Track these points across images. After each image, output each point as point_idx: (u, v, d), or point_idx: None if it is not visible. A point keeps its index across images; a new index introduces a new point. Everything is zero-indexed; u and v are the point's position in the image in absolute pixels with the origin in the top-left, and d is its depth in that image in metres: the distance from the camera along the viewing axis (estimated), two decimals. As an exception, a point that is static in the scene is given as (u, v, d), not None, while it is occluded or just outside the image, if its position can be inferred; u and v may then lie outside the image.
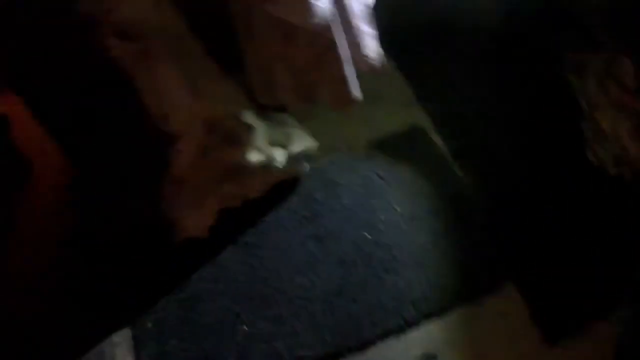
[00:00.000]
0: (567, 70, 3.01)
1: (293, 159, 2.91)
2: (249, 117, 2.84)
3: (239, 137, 2.79)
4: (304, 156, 2.95)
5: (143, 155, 2.88)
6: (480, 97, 3.27)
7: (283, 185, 2.93)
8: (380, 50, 2.84)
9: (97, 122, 2.81)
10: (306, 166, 2.98)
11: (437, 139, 3.10)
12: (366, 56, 2.77)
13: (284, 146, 2.92)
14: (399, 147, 3.07)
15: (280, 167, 2.86)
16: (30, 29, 2.49)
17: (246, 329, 2.58)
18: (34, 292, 2.94)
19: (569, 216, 2.76)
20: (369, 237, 2.75)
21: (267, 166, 2.83)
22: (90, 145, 2.92)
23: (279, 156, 2.87)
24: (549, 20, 3.41)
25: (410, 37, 3.66)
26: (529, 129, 3.07)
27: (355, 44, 2.72)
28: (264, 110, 2.98)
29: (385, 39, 2.84)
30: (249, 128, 2.80)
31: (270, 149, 2.86)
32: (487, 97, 3.27)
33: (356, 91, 2.76)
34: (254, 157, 2.80)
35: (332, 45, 2.61)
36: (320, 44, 2.61)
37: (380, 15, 2.85)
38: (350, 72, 2.71)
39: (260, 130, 2.86)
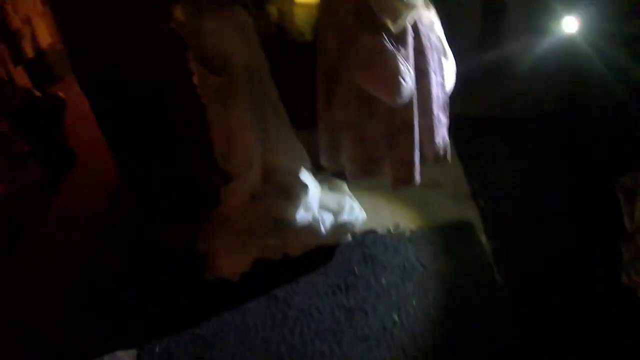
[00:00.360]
0: (618, 188, 2.99)
1: (339, 227, 2.91)
2: (306, 176, 2.86)
3: (292, 193, 2.80)
4: (350, 226, 2.94)
5: (191, 184, 2.89)
6: (531, 201, 3.26)
7: (324, 250, 2.91)
8: (448, 141, 2.86)
9: (155, 137, 2.83)
10: (350, 236, 2.97)
11: (482, 238, 3.08)
12: (436, 144, 2.79)
13: (333, 212, 2.92)
14: (445, 238, 3.05)
15: (325, 232, 2.86)
16: (118, 28, 2.55)
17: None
18: (50, 291, 2.96)
19: (596, 334, 2.71)
20: (397, 319, 2.71)
21: (312, 228, 2.84)
22: (141, 157, 2.94)
23: (327, 221, 2.87)
24: (612, 136, 3.44)
25: (476, 128, 3.69)
26: (571, 240, 3.04)
27: (428, 130, 2.73)
28: (322, 173, 3.01)
29: (452, 127, 2.87)
30: (304, 186, 2.82)
31: (319, 212, 2.87)
32: (538, 201, 3.26)
33: (417, 175, 2.76)
34: (302, 216, 2.82)
35: (407, 127, 2.64)
36: (396, 122, 2.63)
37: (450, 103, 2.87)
38: (417, 155, 2.72)
39: (314, 191, 2.87)
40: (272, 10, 2.73)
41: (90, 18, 2.59)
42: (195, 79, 2.55)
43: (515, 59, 4.04)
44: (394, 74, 2.46)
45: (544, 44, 3.87)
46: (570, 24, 3.51)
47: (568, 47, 3.69)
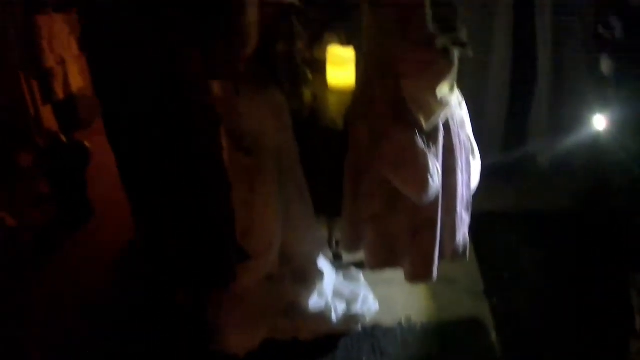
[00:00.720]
0: (632, 285, 2.96)
1: (351, 317, 2.86)
2: (323, 262, 2.85)
3: (308, 278, 2.79)
4: (362, 317, 2.90)
5: (208, 255, 2.87)
6: (544, 298, 3.20)
7: (333, 337, 2.86)
8: (468, 239, 2.85)
9: (178, 203, 2.82)
10: (360, 326, 2.93)
11: (493, 335, 3.03)
12: (456, 242, 2.77)
13: (347, 301, 2.89)
14: (456, 334, 3.00)
15: (337, 320, 2.82)
16: (155, 93, 2.57)
17: None
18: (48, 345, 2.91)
19: None
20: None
21: (324, 315, 2.80)
22: (161, 221, 2.92)
23: (339, 309, 2.84)
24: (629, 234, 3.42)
25: (493, 224, 3.67)
26: (581, 339, 2.98)
27: (450, 228, 2.72)
28: (339, 260, 2.99)
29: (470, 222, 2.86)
30: (320, 273, 2.80)
31: (333, 299, 2.84)
32: (550, 298, 3.20)
33: (435, 272, 2.74)
34: (315, 302, 2.79)
35: (431, 224, 2.63)
36: (420, 218, 2.62)
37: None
38: (437, 252, 2.70)
39: (330, 278, 2.85)
40: (307, 92, 2.75)
41: (127, 80, 2.61)
42: (224, 155, 2.55)
43: (537, 155, 4.08)
44: (423, 172, 2.45)
45: (567, 141, 3.90)
46: (599, 122, 3.52)
47: (593, 145, 3.71)
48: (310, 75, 2.77)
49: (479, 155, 2.83)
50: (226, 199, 2.62)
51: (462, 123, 2.67)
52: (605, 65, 3.46)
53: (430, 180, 2.47)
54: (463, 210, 2.74)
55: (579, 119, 3.87)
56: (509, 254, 3.54)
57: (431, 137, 2.51)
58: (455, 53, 2.44)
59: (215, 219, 2.71)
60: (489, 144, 3.86)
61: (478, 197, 2.93)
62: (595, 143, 3.67)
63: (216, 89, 2.46)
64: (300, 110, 2.65)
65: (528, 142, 4.08)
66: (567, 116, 3.93)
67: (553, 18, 3.75)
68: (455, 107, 2.59)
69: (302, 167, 2.67)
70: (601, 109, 3.51)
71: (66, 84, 4.48)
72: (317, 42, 2.91)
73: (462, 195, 2.71)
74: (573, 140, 3.89)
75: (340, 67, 2.84)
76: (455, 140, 2.60)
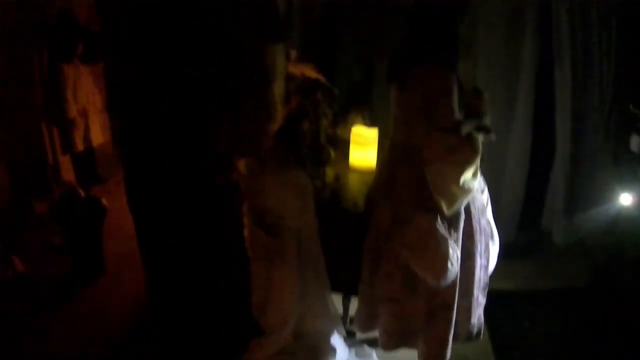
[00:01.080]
0: None
1: (361, 395, 2.83)
2: (336, 339, 2.82)
3: (320, 354, 2.75)
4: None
5: (222, 330, 2.86)
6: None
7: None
8: (483, 321, 2.82)
9: (195, 274, 2.82)
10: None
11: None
12: (471, 324, 2.75)
13: (359, 378, 2.85)
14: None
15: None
16: (180, 168, 2.59)
17: None
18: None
19: None
20: None
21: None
22: (176, 290, 2.93)
23: (349, 385, 2.81)
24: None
25: (507, 303, 3.64)
26: None
27: (466, 311, 2.70)
28: (353, 338, 2.96)
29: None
30: (332, 349, 2.77)
31: (345, 376, 2.81)
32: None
33: (449, 353, 2.70)
34: (328, 378, 2.75)
35: (447, 307, 2.60)
36: (437, 301, 2.60)
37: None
38: (451, 334, 2.67)
39: (342, 355, 2.82)
40: (329, 171, 2.76)
41: (153, 149, 2.64)
42: (245, 232, 2.56)
43: (553, 233, 4.09)
44: (443, 258, 2.45)
45: (583, 219, 3.91)
46: (626, 199, 3.60)
47: (613, 222, 3.71)
48: (333, 154, 2.79)
49: (497, 239, 2.81)
50: (244, 274, 2.62)
51: (483, 208, 2.68)
52: (635, 143, 3.53)
53: (449, 266, 2.46)
54: (480, 294, 2.73)
55: (595, 197, 3.90)
56: (521, 332, 3.50)
57: (452, 222, 2.51)
58: (480, 139, 2.46)
59: (232, 292, 2.71)
60: (505, 222, 3.86)
61: (493, 275, 2.90)
62: (616, 220, 3.68)
63: (241, 166, 2.47)
64: (322, 189, 2.66)
65: (544, 220, 4.07)
66: (583, 195, 3.95)
67: (572, 102, 3.79)
68: (477, 192, 2.59)
69: (321, 246, 2.65)
70: (629, 186, 3.58)
71: (87, 136, 4.52)
72: (342, 121, 2.93)
73: (480, 278, 2.69)
74: (589, 217, 3.90)
75: (364, 147, 2.86)
76: (476, 226, 2.61)
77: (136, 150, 2.72)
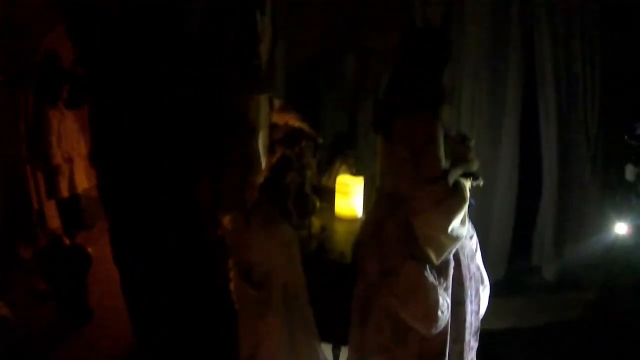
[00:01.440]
0: None
1: None
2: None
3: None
4: None
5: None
6: None
7: None
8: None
9: (182, 325, 2.78)
10: None
11: None
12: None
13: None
14: None
15: None
16: (167, 229, 2.56)
17: None
18: None
19: None
20: None
21: None
22: (163, 340, 2.88)
23: None
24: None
25: (498, 340, 3.61)
26: None
27: (458, 355, 2.66)
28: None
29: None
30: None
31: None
32: None
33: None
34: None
35: (439, 355, 2.56)
36: (427, 348, 2.55)
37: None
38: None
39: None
40: (315, 222, 2.74)
41: (138, 205, 2.61)
42: (232, 285, 2.53)
43: (543, 268, 4.08)
44: (433, 307, 2.42)
45: (573, 252, 3.91)
46: (621, 228, 3.62)
47: (605, 254, 3.71)
48: (318, 204, 2.77)
49: (488, 283, 2.79)
50: (232, 327, 2.58)
51: (472, 254, 2.67)
52: (630, 172, 3.58)
53: (440, 314, 2.44)
54: (471, 338, 2.71)
55: (583, 231, 3.90)
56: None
57: (441, 270, 2.48)
58: (467, 185, 2.45)
59: (220, 345, 2.67)
60: (495, 260, 3.85)
61: (484, 314, 2.89)
62: (608, 251, 3.68)
63: (226, 221, 2.44)
64: (309, 241, 2.64)
65: (533, 256, 4.07)
66: (571, 229, 3.95)
67: (558, 133, 3.81)
68: (466, 238, 2.57)
69: (310, 296, 2.62)
70: (623, 216, 3.61)
71: (72, 183, 4.47)
72: (327, 170, 2.92)
73: (471, 324, 2.67)
74: (579, 251, 3.90)
75: (349, 196, 2.85)
76: (465, 273, 2.59)
77: (120, 204, 2.69)
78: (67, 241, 3.75)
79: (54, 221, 4.48)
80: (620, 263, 3.71)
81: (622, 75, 3.78)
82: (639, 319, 3.50)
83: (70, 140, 4.45)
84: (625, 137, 3.58)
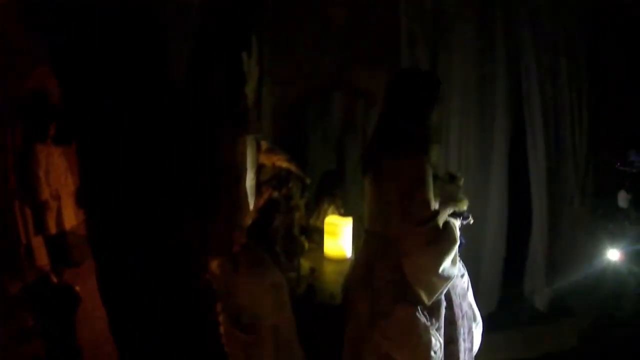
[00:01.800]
0: None
1: None
2: None
3: None
4: None
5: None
6: None
7: None
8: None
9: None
10: None
11: None
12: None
13: None
14: None
15: None
16: (152, 272, 2.53)
17: None
18: None
19: None
20: None
21: None
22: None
23: None
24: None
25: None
26: None
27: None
28: None
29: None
30: None
31: None
32: None
33: None
34: None
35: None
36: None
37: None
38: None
39: None
40: (304, 263, 2.71)
41: (124, 250, 2.58)
42: (221, 329, 2.49)
43: (535, 298, 4.06)
44: (426, 348, 2.41)
45: (565, 283, 3.90)
46: (613, 255, 3.65)
47: (593, 285, 3.70)
48: (307, 245, 2.75)
49: (480, 321, 2.77)
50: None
51: (464, 293, 2.65)
52: (622, 198, 3.63)
53: (432, 354, 2.42)
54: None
55: (574, 260, 3.90)
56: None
57: (433, 311, 2.46)
58: (457, 225, 2.43)
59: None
60: (486, 294, 3.84)
61: (478, 349, 2.85)
62: (601, 278, 3.67)
63: (214, 267, 2.41)
64: (298, 283, 2.61)
65: (525, 288, 4.05)
66: (562, 259, 3.95)
67: (547, 162, 3.81)
68: (457, 277, 2.56)
69: (300, 338, 2.59)
70: (616, 242, 3.64)
71: (59, 220, 4.41)
72: (315, 211, 2.90)
73: (465, 357, 2.64)
74: (570, 281, 3.89)
75: (338, 236, 2.82)
76: (457, 312, 2.57)
77: (106, 247, 2.66)
78: (54, 279, 3.70)
79: (42, 257, 4.43)
80: (613, 290, 3.70)
81: (611, 103, 3.80)
82: (633, 346, 3.48)
83: (58, 176, 4.41)
84: (617, 164, 3.59)
